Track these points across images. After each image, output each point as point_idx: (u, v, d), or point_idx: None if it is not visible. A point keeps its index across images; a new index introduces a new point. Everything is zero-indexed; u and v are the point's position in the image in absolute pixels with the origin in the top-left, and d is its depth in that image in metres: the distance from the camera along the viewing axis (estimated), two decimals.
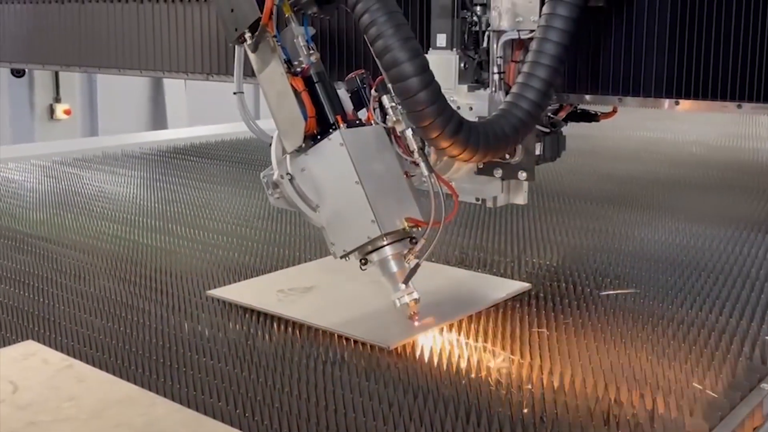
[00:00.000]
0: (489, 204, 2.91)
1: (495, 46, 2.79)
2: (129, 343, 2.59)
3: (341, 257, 2.58)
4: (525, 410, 2.16)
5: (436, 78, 2.40)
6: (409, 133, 2.48)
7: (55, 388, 2.29)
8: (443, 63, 2.80)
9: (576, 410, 2.15)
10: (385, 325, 2.67)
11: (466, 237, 3.79)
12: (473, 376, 2.36)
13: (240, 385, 2.30)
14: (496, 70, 2.79)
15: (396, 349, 2.54)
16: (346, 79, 2.64)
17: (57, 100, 11.33)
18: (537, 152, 2.83)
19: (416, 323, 2.64)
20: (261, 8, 2.51)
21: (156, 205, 4.51)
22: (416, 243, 2.55)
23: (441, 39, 2.86)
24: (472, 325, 2.72)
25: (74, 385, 2.31)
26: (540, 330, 2.65)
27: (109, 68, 5.24)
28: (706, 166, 5.75)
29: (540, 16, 2.62)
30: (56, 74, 11.06)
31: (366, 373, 2.37)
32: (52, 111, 11.29)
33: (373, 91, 2.54)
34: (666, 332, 2.67)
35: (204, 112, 12.18)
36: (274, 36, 2.54)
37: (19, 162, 5.73)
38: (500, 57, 2.79)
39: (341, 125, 2.52)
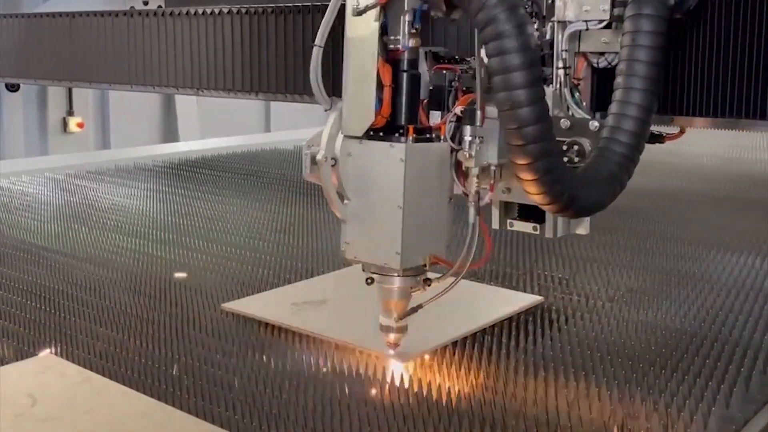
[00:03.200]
0: (548, 234, 2.60)
1: (560, 39, 2.55)
2: (145, 356, 2.61)
3: (350, 261, 2.47)
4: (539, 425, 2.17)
5: None
6: (475, 171, 2.28)
7: (73, 402, 2.31)
8: None
9: (590, 423, 2.16)
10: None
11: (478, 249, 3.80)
12: (487, 389, 2.37)
13: (255, 399, 2.31)
14: (560, 65, 2.56)
15: (411, 362, 2.55)
16: (435, 68, 2.38)
17: (70, 113, 11.41)
18: None
19: (390, 352, 2.54)
20: None
21: (168, 217, 4.54)
22: (429, 285, 2.42)
23: None
24: (486, 338, 2.72)
25: (92, 398, 2.33)
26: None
27: (99, 83, 5.24)
28: (717, 178, 5.75)
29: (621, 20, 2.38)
30: (70, 88, 11.14)
31: (381, 387, 2.38)
32: (65, 124, 11.37)
33: (458, 108, 2.29)
34: (679, 345, 2.67)
35: (215, 124, 12.24)
36: (383, 6, 2.25)
37: (32, 175, 5.77)
38: (565, 50, 2.55)
39: (410, 137, 2.28)
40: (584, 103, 2.60)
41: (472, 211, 2.31)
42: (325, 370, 2.51)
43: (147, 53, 4.77)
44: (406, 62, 2.29)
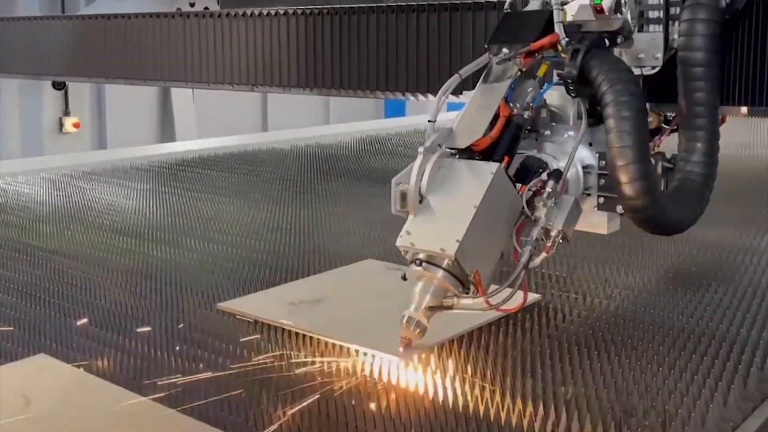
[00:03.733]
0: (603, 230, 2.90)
1: None
2: (140, 357, 2.60)
3: (401, 248, 2.49)
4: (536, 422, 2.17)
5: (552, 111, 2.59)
6: (541, 224, 2.43)
7: (67, 402, 2.30)
8: (559, 98, 2.72)
9: (588, 421, 2.15)
10: (398, 337, 2.67)
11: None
12: (484, 387, 2.36)
13: (251, 399, 2.30)
14: None
15: (407, 360, 2.54)
16: (529, 155, 2.62)
17: (66, 113, 11.40)
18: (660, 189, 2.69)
19: (400, 349, 2.55)
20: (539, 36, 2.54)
21: (165, 217, 4.53)
22: (466, 295, 2.47)
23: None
24: (483, 336, 2.72)
25: (86, 398, 2.32)
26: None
27: (154, 81, 5.45)
28: (719, 174, 5.73)
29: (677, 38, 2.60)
30: (65, 88, 11.15)
31: (378, 386, 2.37)
32: (61, 124, 11.36)
33: (545, 174, 2.51)
34: (677, 342, 2.66)
35: (212, 124, 12.24)
36: (519, 71, 2.56)
37: (28, 175, 5.76)
38: None
39: (503, 164, 2.47)
40: None
41: (525, 255, 2.44)
42: (321, 369, 2.49)
43: (203, 52, 5.04)
44: (515, 123, 2.54)
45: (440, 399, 2.29)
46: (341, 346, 2.63)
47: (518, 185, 2.51)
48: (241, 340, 2.70)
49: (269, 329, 2.80)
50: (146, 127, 12.29)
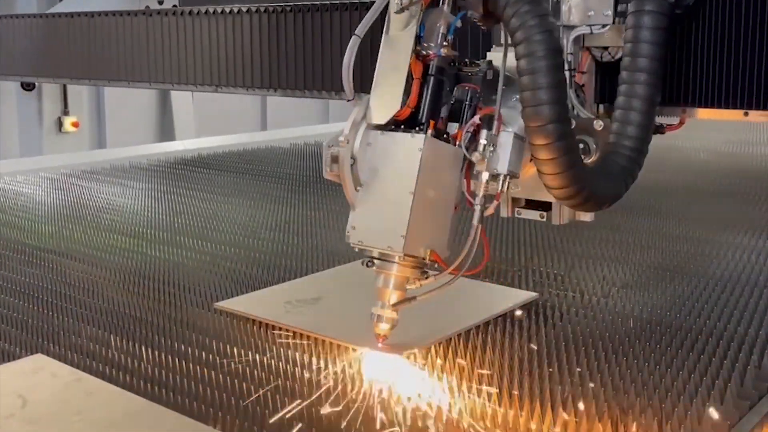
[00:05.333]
0: (554, 221, 2.70)
1: (565, 42, 2.64)
2: (137, 356, 2.60)
3: (353, 246, 2.46)
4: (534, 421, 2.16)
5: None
6: (484, 177, 2.33)
7: (64, 402, 2.29)
8: (510, 63, 2.52)
9: (585, 419, 2.15)
10: (395, 334, 2.67)
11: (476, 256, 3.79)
12: (481, 385, 2.36)
13: (248, 398, 2.30)
14: (566, 67, 2.59)
15: (406, 359, 2.54)
16: (459, 85, 2.44)
17: (65, 113, 11.38)
18: None
19: (379, 345, 2.53)
20: None
21: (163, 216, 4.53)
22: (426, 278, 2.44)
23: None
24: (480, 334, 2.71)
25: (83, 399, 2.32)
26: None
27: (118, 81, 5.30)
28: (713, 172, 5.75)
29: (618, 15, 2.53)
30: (64, 87, 11.12)
31: (375, 385, 2.37)
32: (60, 124, 11.34)
33: (477, 117, 2.36)
34: (674, 340, 2.66)
35: (212, 123, 12.22)
36: (423, 10, 2.37)
37: (27, 175, 5.76)
38: (571, 53, 2.63)
39: (429, 131, 2.34)
40: (587, 101, 2.68)
41: (476, 213, 2.36)
42: (318, 368, 2.49)
43: (165, 51, 4.87)
44: (434, 68, 2.38)
45: (438, 398, 2.29)
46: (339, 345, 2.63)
47: (455, 127, 2.39)
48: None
49: (267, 328, 2.80)
50: (145, 126, 12.27)
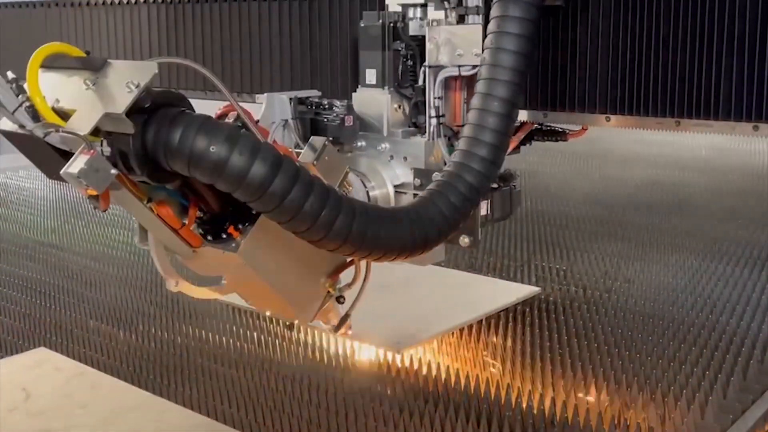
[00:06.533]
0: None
1: (432, 84, 2.32)
2: (140, 349, 2.60)
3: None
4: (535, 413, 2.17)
5: (367, 119, 2.15)
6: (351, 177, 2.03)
7: (68, 395, 2.30)
8: (373, 103, 2.32)
9: (587, 413, 2.15)
10: (396, 329, 2.68)
11: None
12: (483, 379, 2.36)
13: (251, 391, 2.31)
14: (433, 113, 2.32)
15: (407, 353, 2.54)
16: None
17: None
18: (483, 212, 2.27)
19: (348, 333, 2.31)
20: None
21: None
22: (343, 302, 2.10)
23: (371, 75, 2.38)
24: (483, 329, 2.72)
25: (86, 392, 2.32)
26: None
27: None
28: (715, 168, 5.74)
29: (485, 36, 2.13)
30: None
31: (377, 378, 2.38)
32: None
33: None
34: (676, 335, 2.66)
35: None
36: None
37: (29, 170, 5.75)
38: (438, 98, 2.32)
39: (236, 237, 1.84)
40: None
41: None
42: (321, 361, 2.50)
43: (88, 45, 4.49)
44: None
45: (439, 391, 2.29)
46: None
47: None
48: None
49: (269, 321, 2.80)
50: None
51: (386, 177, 2.24)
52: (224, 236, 1.89)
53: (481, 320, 2.78)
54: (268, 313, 2.32)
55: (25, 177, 5.56)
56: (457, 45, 2.26)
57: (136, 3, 4.05)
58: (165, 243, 1.89)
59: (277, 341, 2.65)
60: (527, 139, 2.53)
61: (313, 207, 1.66)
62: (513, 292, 3.07)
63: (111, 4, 4.23)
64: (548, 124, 2.56)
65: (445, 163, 2.22)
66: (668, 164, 5.90)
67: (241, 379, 2.38)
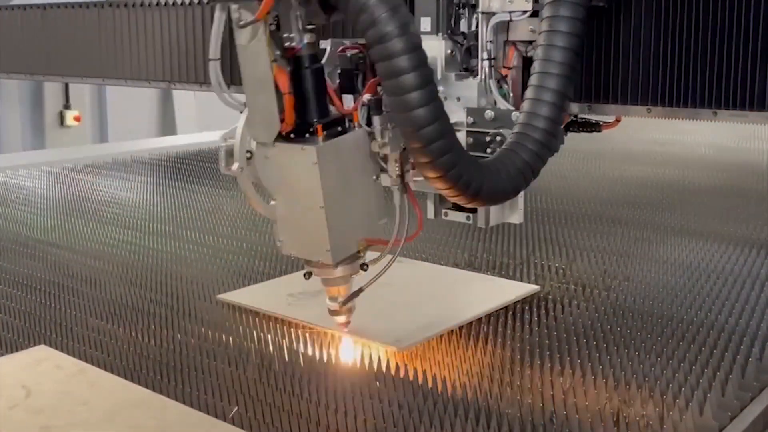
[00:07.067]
0: (480, 224, 2.58)
1: (484, 29, 2.51)
2: (140, 347, 2.61)
3: (287, 255, 2.47)
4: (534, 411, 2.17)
5: None
6: (394, 156, 2.23)
7: (68, 393, 2.30)
8: (428, 49, 2.33)
9: (586, 411, 2.16)
10: (396, 327, 2.68)
11: (475, 239, 3.80)
12: (483, 377, 2.37)
13: (250, 388, 2.31)
14: (485, 56, 2.50)
15: (407, 350, 2.55)
16: (341, 50, 2.27)
17: (67, 107, 11.37)
18: None
19: (345, 330, 2.57)
20: None
21: (166, 210, 4.53)
22: (366, 269, 2.39)
23: (425, 23, 2.54)
24: (482, 327, 2.72)
25: (87, 389, 2.33)
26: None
27: (72, 77, 5.10)
28: (715, 168, 5.74)
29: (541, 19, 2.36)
30: (64, 82, 11.11)
31: (376, 376, 2.38)
32: (62, 118, 11.34)
33: (366, 96, 2.23)
34: (675, 333, 2.67)
35: (213, 117, 12.21)
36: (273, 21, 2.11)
37: (29, 169, 5.76)
38: (490, 41, 2.51)
39: (320, 136, 2.18)
40: (511, 94, 2.59)
41: (396, 195, 2.30)
42: (320, 360, 2.50)
43: (118, 45, 4.63)
44: (305, 58, 2.16)
45: (438, 389, 2.29)
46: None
47: (350, 99, 2.24)
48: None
49: (269, 320, 2.81)
50: (147, 121, 12.25)
51: None
52: (307, 136, 2.17)
53: (481, 318, 2.79)
54: (292, 252, 2.39)
55: (24, 176, 5.57)
56: None
57: (190, 4, 4.13)
58: (256, 123, 2.20)
59: (276, 339, 2.66)
60: (564, 130, 2.63)
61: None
62: (512, 290, 3.08)
63: (165, 5, 4.28)
64: (583, 116, 2.76)
65: (495, 103, 2.52)
66: (668, 162, 5.90)
67: (241, 377, 2.38)
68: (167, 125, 12.53)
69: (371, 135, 2.25)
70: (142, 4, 4.44)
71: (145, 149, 6.57)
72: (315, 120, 2.18)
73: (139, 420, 2.16)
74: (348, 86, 2.28)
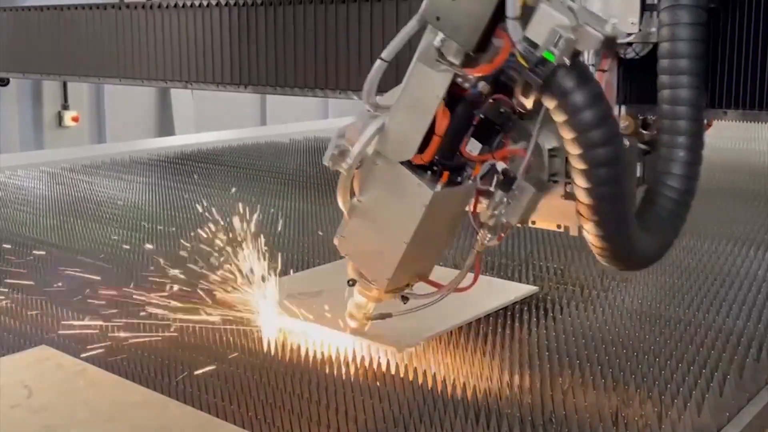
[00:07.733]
0: (573, 232, 2.51)
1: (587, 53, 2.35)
2: (141, 347, 2.62)
3: (342, 254, 2.47)
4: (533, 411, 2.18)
5: None
6: (494, 220, 2.20)
7: (69, 392, 2.31)
8: None
9: (585, 411, 2.17)
10: (396, 327, 2.68)
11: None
12: (482, 377, 2.38)
13: (251, 388, 2.32)
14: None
15: (407, 351, 2.55)
16: (493, 99, 2.14)
17: (65, 107, 11.37)
18: (637, 174, 2.43)
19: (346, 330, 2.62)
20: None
21: (164, 210, 4.53)
22: (406, 302, 2.44)
23: None
24: (481, 328, 2.73)
25: (88, 388, 2.34)
26: None
27: (87, 77, 5.16)
28: (712, 169, 5.75)
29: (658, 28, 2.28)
30: (64, 82, 11.12)
31: (376, 376, 2.39)
32: (60, 118, 11.34)
33: (500, 165, 2.18)
34: (673, 333, 2.68)
35: (211, 118, 12.22)
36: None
37: (28, 169, 5.77)
38: (592, 65, 2.36)
39: (442, 182, 2.16)
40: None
41: (471, 255, 2.33)
42: (320, 359, 2.51)
43: (135, 46, 4.69)
44: (467, 103, 2.14)
45: (439, 389, 2.30)
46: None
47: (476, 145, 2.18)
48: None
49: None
50: (145, 121, 12.27)
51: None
52: (428, 173, 2.17)
53: (480, 319, 2.80)
54: (347, 254, 2.39)
55: (23, 176, 5.58)
56: (612, 13, 2.34)
57: (207, 6, 4.19)
58: (389, 136, 2.15)
59: (277, 338, 2.66)
60: None
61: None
62: (511, 291, 3.09)
63: (183, 6, 4.33)
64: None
65: None
66: None
67: (241, 376, 2.39)
68: (165, 126, 12.53)
69: (478, 194, 2.24)
70: (159, 6, 4.49)
71: (143, 150, 6.58)
72: (444, 163, 2.16)
73: (140, 419, 2.17)
74: (480, 135, 2.19)
